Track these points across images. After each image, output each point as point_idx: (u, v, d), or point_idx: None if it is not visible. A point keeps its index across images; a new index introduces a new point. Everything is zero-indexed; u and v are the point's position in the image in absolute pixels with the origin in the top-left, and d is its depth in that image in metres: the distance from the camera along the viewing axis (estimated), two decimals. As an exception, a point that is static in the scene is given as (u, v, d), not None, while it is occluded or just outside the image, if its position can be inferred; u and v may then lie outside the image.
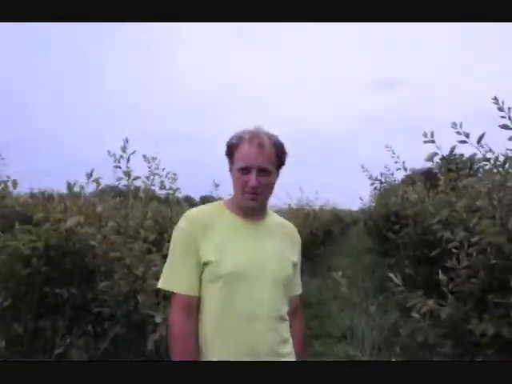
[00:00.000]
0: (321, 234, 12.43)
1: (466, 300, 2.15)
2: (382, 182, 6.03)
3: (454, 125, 2.29)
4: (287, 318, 1.59)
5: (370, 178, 6.91)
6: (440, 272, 2.43)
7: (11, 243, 2.40)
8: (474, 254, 2.27)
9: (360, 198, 9.32)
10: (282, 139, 1.56)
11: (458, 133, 2.28)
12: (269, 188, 1.56)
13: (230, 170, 1.58)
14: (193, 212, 1.57)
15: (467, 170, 3.37)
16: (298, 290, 1.71)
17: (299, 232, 1.78)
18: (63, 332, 2.42)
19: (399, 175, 6.49)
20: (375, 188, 7.16)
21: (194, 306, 1.49)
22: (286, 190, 11.19)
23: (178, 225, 1.56)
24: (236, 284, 1.46)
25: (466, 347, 2.03)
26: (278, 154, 1.55)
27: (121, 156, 2.93)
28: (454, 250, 2.46)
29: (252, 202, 1.51)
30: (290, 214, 10.53)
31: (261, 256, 1.52)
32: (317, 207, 14.97)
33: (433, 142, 2.45)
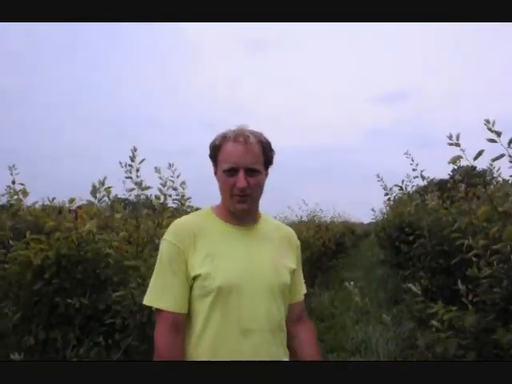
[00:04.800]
0: (333, 245, 12.37)
1: (489, 310, 2.08)
2: (401, 188, 5.96)
3: (487, 121, 2.23)
4: (285, 328, 1.50)
5: (385, 188, 6.86)
6: (459, 282, 2.36)
7: (22, 252, 2.38)
8: (495, 263, 2.20)
9: (372, 210, 9.24)
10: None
11: (490, 130, 2.22)
12: (258, 188, 1.45)
13: (215, 173, 1.48)
14: (179, 222, 1.47)
15: (482, 180, 3.31)
16: (300, 297, 1.61)
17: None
18: (74, 343, 2.38)
19: (411, 186, 6.44)
20: (389, 199, 7.10)
21: (182, 323, 1.39)
22: (298, 202, 11.23)
23: (164, 236, 1.45)
24: (228, 297, 1.36)
25: (489, 359, 1.95)
26: (266, 152, 1.45)
27: (130, 165, 2.91)
28: (473, 259, 2.40)
29: (242, 205, 1.42)
30: (301, 225, 10.52)
31: (254, 264, 1.42)
32: (328, 219, 14.96)
33: (458, 145, 2.39)
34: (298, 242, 1.64)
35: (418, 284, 2.26)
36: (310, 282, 8.61)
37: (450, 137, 2.34)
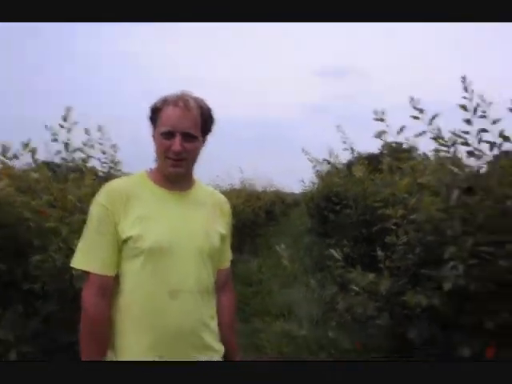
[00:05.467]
0: (263, 214, 12.59)
1: (402, 275, 2.25)
2: (329, 162, 6.17)
3: (411, 99, 2.33)
4: (214, 292, 1.53)
5: (313, 160, 7.06)
6: (378, 249, 2.51)
7: None
8: (412, 232, 2.36)
9: (302, 181, 9.48)
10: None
11: (414, 107, 2.32)
12: (194, 154, 1.45)
13: (153, 136, 1.46)
14: (112, 184, 1.45)
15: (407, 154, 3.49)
16: (227, 264, 1.64)
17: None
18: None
19: (343, 159, 6.68)
20: (317, 171, 7.33)
21: (109, 286, 1.38)
22: (229, 171, 11.28)
23: (95, 198, 1.43)
24: (158, 259, 1.36)
25: (400, 319, 2.12)
26: (205, 119, 1.45)
27: (61, 126, 2.76)
28: (392, 228, 2.55)
29: (175, 169, 1.41)
30: (232, 193, 10.58)
31: (186, 228, 1.43)
32: (259, 188, 15.17)
33: (382, 120, 2.49)
34: (230, 210, 1.66)
35: (339, 251, 2.37)
36: (239, 249, 8.74)
37: (376, 112, 2.43)
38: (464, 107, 2.20)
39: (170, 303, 1.37)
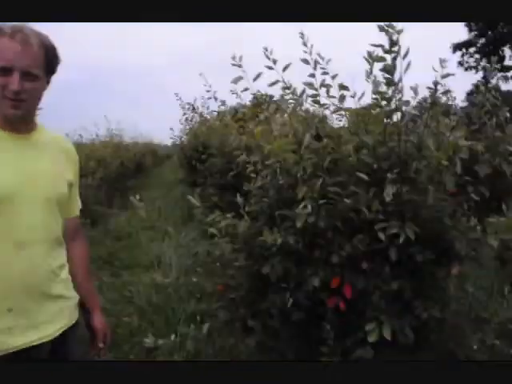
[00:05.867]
0: (132, 166, 12.19)
1: (258, 217, 2.36)
2: (194, 108, 6.12)
3: (265, 49, 2.36)
4: (63, 241, 1.47)
5: (183, 107, 6.95)
6: (238, 195, 2.59)
7: None
8: (267, 177, 2.47)
9: (171, 129, 9.28)
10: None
11: (268, 57, 2.36)
12: (35, 95, 1.32)
13: None
14: None
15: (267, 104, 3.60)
16: (76, 212, 1.58)
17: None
18: None
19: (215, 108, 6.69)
20: (186, 119, 7.25)
21: None
22: (95, 120, 10.66)
23: None
24: (2, 208, 1.26)
25: (257, 259, 2.25)
26: (49, 58, 1.31)
27: None
28: (252, 175, 2.65)
29: (15, 111, 1.28)
30: (97, 144, 10.02)
31: (30, 173, 1.33)
32: (129, 139, 14.57)
33: (240, 66, 2.49)
34: (77, 157, 1.57)
35: (198, 198, 2.40)
36: (107, 203, 8.42)
37: (234, 58, 2.43)
38: (306, 61, 2.31)
39: (17, 254, 1.28)
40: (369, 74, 2.18)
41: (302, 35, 2.31)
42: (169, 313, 3.42)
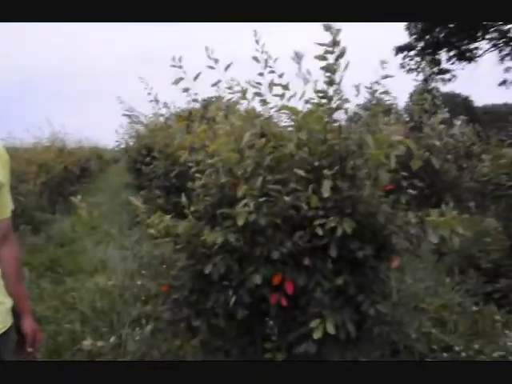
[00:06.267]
0: (77, 170, 11.83)
1: (202, 217, 2.36)
2: (131, 112, 6.02)
3: (206, 48, 2.37)
4: None
5: (127, 110, 6.82)
6: (182, 195, 2.57)
7: None
8: (212, 176, 2.47)
9: (116, 131, 9.08)
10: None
11: (209, 57, 2.37)
12: None
13: None
14: None
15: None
16: (7, 214, 1.54)
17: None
18: None
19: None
20: (129, 122, 7.13)
21: None
22: (39, 124, 10.33)
23: None
24: None
25: (199, 258, 2.24)
26: None
27: None
28: (196, 175, 2.64)
29: None
30: (39, 148, 9.64)
31: None
32: (73, 144, 14.11)
33: (180, 67, 2.49)
34: (8, 157, 1.52)
35: (140, 198, 2.36)
36: (50, 209, 8.09)
37: (174, 59, 2.43)
38: (256, 59, 2.34)
39: None
40: (298, 72, 2.24)
41: (254, 32, 2.33)
42: (113, 317, 3.33)
